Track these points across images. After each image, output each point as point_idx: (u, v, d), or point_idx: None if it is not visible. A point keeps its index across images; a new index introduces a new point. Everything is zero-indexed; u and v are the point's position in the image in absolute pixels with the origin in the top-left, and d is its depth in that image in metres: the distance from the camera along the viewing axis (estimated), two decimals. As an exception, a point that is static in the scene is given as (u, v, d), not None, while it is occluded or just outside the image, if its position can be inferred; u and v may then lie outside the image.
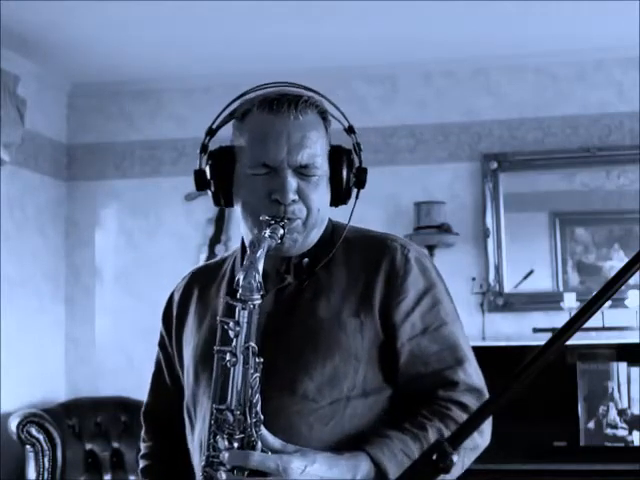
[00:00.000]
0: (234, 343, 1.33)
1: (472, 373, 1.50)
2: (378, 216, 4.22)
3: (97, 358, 4.67)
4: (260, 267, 1.34)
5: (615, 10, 3.75)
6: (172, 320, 1.64)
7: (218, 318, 1.36)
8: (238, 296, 1.34)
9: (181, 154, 4.71)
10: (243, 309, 1.33)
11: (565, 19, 3.94)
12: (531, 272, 4.38)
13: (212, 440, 1.34)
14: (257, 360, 1.33)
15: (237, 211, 1.50)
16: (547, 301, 4.27)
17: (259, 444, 1.32)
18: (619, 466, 3.55)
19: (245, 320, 1.33)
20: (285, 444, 1.34)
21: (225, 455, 1.31)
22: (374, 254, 1.50)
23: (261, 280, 1.34)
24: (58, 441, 3.98)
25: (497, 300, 4.34)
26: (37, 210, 4.55)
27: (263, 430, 1.32)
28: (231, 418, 1.32)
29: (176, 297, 1.66)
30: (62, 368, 4.68)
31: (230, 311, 1.36)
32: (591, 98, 4.39)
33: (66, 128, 4.84)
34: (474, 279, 4.33)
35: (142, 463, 1.70)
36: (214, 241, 4.59)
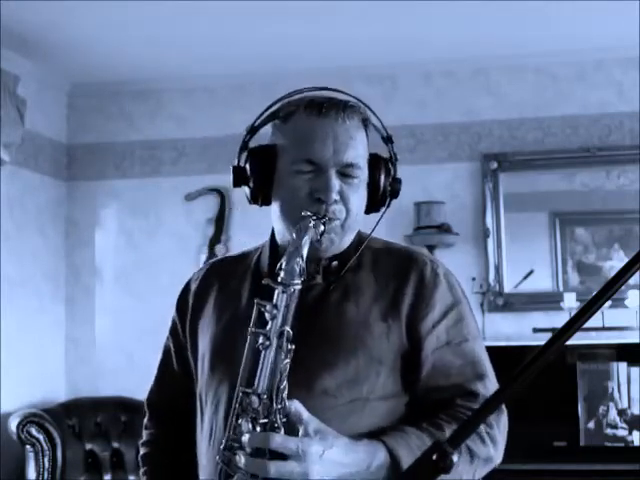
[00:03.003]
0: (269, 326, 1.32)
1: (492, 390, 1.50)
2: (378, 216, 4.21)
3: (97, 358, 4.67)
4: (304, 253, 1.34)
5: (615, 10, 3.75)
6: (187, 309, 1.63)
7: (255, 300, 1.35)
8: (279, 280, 1.33)
9: (181, 154, 4.71)
10: (283, 292, 1.33)
11: (565, 19, 3.94)
12: (531, 272, 4.38)
13: (235, 422, 1.33)
14: (290, 346, 1.32)
15: (273, 209, 1.51)
16: (547, 301, 4.27)
17: (282, 431, 1.30)
18: (619, 466, 3.55)
19: (283, 304, 1.32)
20: (311, 417, 1.32)
21: (246, 437, 1.30)
22: (403, 265, 1.52)
23: (304, 266, 1.34)
24: (58, 441, 3.98)
25: (497, 300, 4.34)
26: (37, 210, 4.55)
27: (295, 402, 1.32)
28: (256, 402, 1.31)
29: (193, 287, 1.65)
30: (62, 368, 4.68)
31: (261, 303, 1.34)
32: (591, 98, 4.39)
33: (66, 128, 4.83)
34: (474, 279, 4.33)
35: (142, 450, 1.69)
36: (214, 241, 4.58)
